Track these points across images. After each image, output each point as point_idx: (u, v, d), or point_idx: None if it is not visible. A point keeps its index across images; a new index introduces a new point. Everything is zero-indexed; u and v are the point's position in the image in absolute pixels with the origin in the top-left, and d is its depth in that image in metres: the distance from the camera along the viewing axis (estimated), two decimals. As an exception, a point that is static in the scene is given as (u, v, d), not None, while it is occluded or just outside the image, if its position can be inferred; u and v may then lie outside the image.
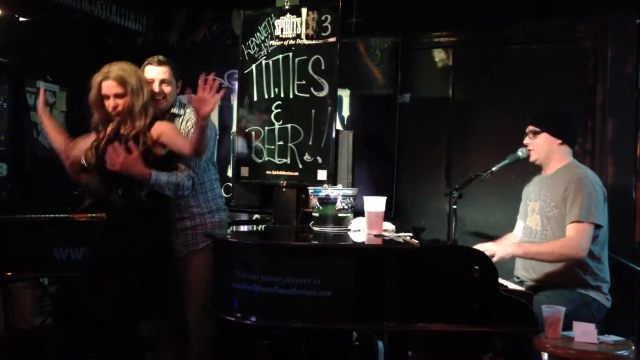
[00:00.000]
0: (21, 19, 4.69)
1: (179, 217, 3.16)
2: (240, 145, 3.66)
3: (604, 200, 3.03)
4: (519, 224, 3.36)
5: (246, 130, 3.64)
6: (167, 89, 3.14)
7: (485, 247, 2.94)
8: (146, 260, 2.87)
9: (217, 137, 3.33)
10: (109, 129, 3.00)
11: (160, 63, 3.14)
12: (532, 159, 3.20)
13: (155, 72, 3.13)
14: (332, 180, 3.34)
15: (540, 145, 3.17)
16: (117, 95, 2.90)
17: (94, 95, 2.95)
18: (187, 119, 3.15)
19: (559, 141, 3.15)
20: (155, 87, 3.10)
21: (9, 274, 3.54)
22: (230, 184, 4.04)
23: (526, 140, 3.21)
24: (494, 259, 2.85)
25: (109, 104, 2.91)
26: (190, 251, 3.16)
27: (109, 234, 2.97)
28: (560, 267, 2.99)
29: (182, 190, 2.99)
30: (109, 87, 2.90)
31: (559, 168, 3.15)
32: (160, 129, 2.93)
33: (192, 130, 3.03)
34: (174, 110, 3.20)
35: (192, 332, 3.17)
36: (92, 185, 3.11)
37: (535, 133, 3.17)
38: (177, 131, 3.03)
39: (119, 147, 2.79)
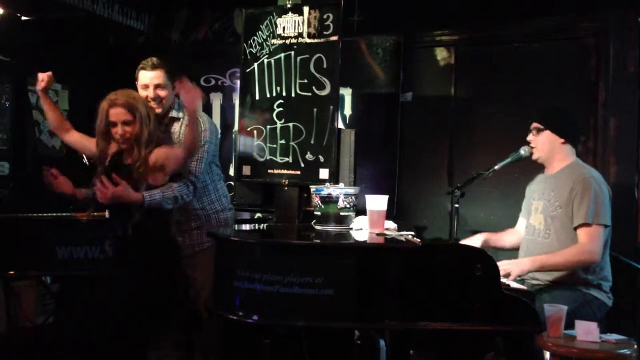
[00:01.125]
0: (23, 17, 4.69)
1: (185, 219, 3.14)
2: (242, 143, 3.66)
3: (609, 199, 3.01)
4: (521, 221, 3.35)
5: (248, 129, 3.64)
6: (162, 92, 3.05)
7: (501, 267, 2.88)
8: (149, 262, 2.86)
9: (220, 137, 3.29)
10: (107, 160, 2.94)
11: (154, 67, 3.04)
12: (534, 157, 3.19)
13: (149, 77, 3.04)
14: (334, 178, 3.34)
15: (542, 143, 3.15)
16: (125, 123, 2.82)
17: (100, 122, 2.87)
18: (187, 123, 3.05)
19: (562, 140, 3.13)
20: (150, 93, 3.02)
21: (12, 272, 3.55)
22: (232, 183, 4.04)
23: (529, 137, 3.20)
24: (510, 278, 2.83)
25: (117, 131, 2.83)
26: (196, 251, 3.15)
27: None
28: (562, 266, 2.99)
29: (182, 199, 2.93)
30: (117, 114, 2.82)
31: (563, 167, 3.14)
32: (154, 153, 2.86)
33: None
34: (173, 114, 3.12)
35: (199, 331, 3.16)
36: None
37: (538, 130, 3.16)
38: (167, 147, 2.95)
39: (106, 181, 2.72)
